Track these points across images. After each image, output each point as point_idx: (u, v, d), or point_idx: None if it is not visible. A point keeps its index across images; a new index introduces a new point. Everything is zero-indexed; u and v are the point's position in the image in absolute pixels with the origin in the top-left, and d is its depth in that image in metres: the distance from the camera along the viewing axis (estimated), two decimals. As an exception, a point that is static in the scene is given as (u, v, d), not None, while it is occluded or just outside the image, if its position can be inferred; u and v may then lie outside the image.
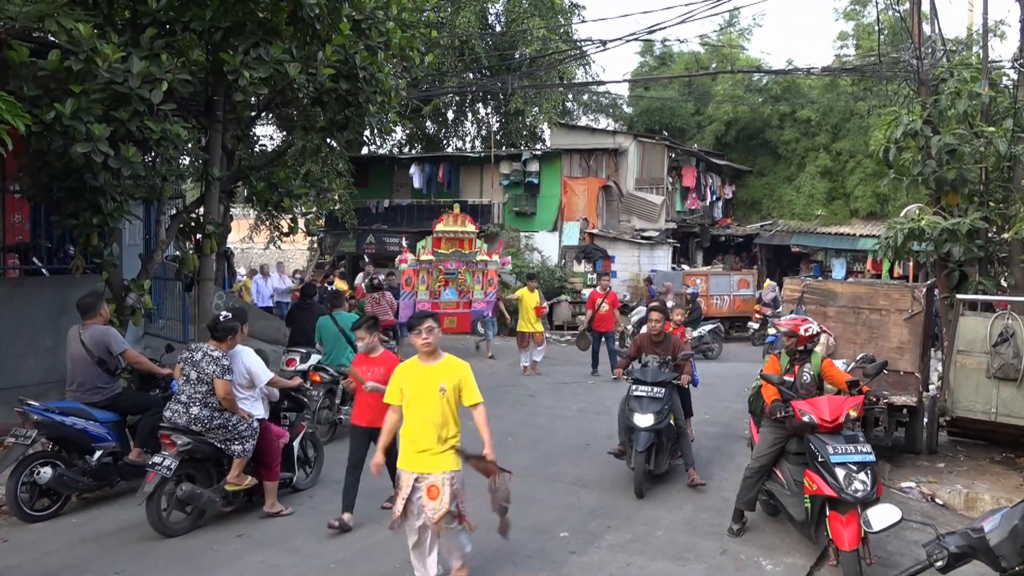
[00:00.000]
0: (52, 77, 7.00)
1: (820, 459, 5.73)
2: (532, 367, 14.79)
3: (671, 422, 7.63)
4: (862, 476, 5.57)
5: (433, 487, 5.08)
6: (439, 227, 16.98)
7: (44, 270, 10.47)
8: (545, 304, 15.98)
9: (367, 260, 23.80)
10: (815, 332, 6.44)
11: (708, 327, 19.00)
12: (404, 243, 18.80)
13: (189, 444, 6.33)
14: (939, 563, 3.34)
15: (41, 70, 6.90)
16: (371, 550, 6.10)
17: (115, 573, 5.58)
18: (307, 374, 9.25)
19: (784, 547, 6.31)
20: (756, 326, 20.88)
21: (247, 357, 6.77)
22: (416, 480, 5.16)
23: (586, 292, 21.72)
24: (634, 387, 7.75)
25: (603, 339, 14.38)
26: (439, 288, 16.68)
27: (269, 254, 30.34)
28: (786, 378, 6.39)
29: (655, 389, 7.61)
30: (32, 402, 6.64)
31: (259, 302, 17.98)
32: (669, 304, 16.05)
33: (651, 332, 8.24)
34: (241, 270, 20.44)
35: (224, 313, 6.82)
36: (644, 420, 7.38)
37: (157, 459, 6.24)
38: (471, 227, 17.32)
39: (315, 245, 28.73)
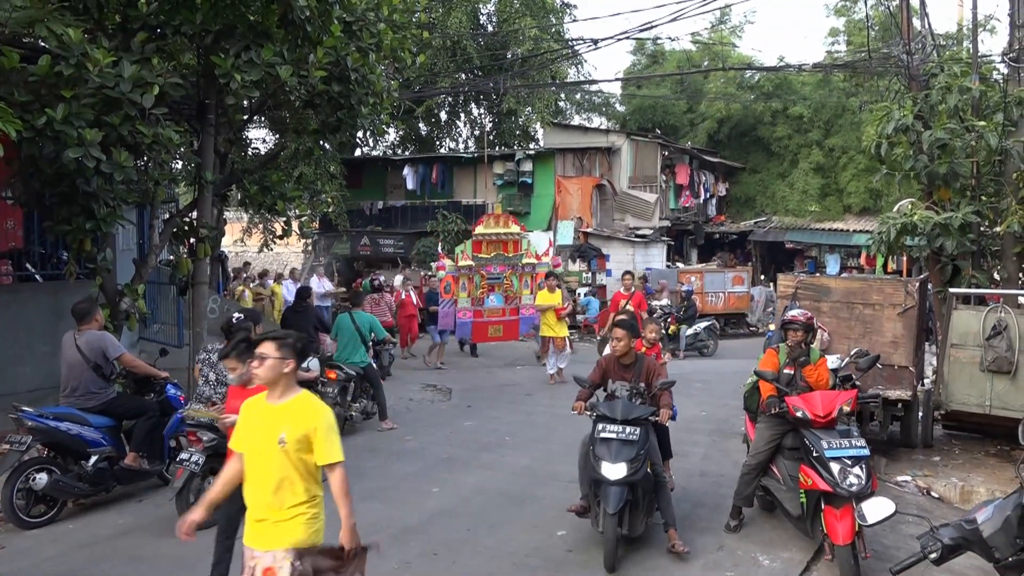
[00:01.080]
0: (42, 82, 6.97)
1: (815, 454, 5.76)
2: (558, 374, 13.55)
3: (648, 470, 6.03)
4: (856, 470, 5.59)
5: (268, 570, 3.92)
6: (479, 230, 15.51)
7: (38, 276, 10.43)
8: (568, 304, 14.64)
9: (365, 263, 23.84)
10: (817, 325, 6.53)
11: (703, 324, 19.05)
12: (440, 248, 17.50)
13: (214, 440, 6.54)
14: (933, 555, 3.37)
15: (31, 75, 6.87)
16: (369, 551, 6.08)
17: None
18: (323, 371, 9.48)
19: (781, 542, 6.33)
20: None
21: None
22: (251, 558, 4.01)
23: (582, 292, 21.78)
24: (600, 427, 6.05)
25: None
26: (482, 294, 15.29)
27: (263, 257, 30.29)
28: (786, 371, 6.41)
29: (627, 429, 5.95)
30: (26, 408, 6.63)
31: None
32: (663, 301, 15.64)
33: (615, 353, 6.55)
34: (267, 280, 19.68)
35: (237, 315, 7.08)
36: (615, 471, 5.77)
37: (185, 456, 6.56)
38: (515, 228, 15.80)
39: (309, 248, 28.70)
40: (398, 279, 18.09)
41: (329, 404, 8.65)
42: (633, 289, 13.41)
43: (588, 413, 6.26)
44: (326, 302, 17.84)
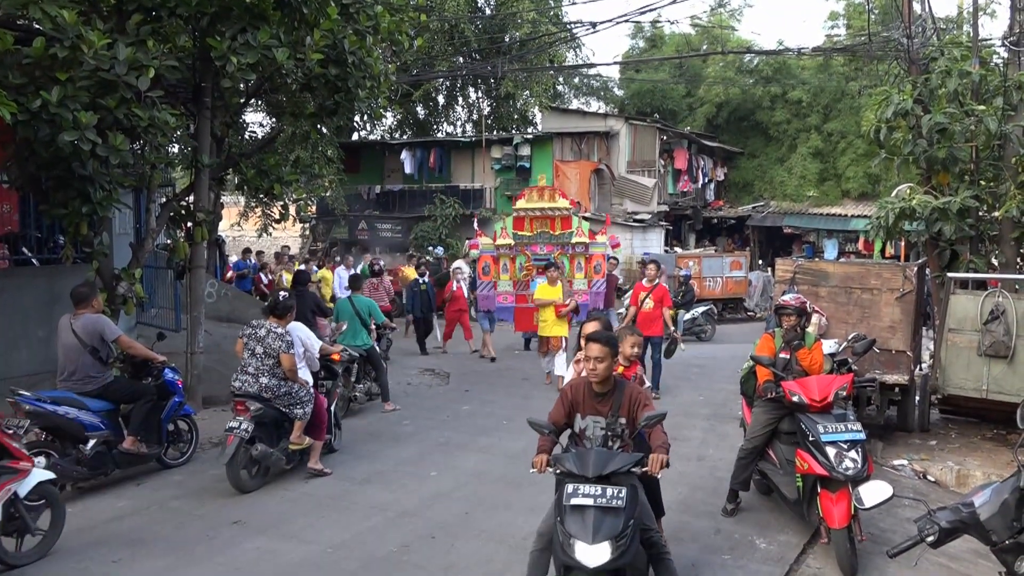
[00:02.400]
0: (37, 65, 6.92)
1: (811, 438, 5.78)
2: (560, 380, 11.28)
3: (640, 543, 4.37)
4: (852, 454, 5.61)
5: None
6: (520, 204, 13.95)
7: (34, 260, 10.41)
8: (571, 300, 12.37)
9: (363, 248, 23.76)
10: (813, 309, 6.48)
11: (701, 309, 19.08)
12: (477, 226, 15.74)
13: (261, 409, 7.13)
14: (930, 538, 3.37)
15: (26, 58, 6.82)
16: (366, 535, 6.12)
17: (112, 562, 5.59)
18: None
19: (777, 525, 6.36)
20: None
21: (300, 331, 7.82)
22: None
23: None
24: (569, 489, 4.27)
25: (648, 344, 10.44)
26: (526, 277, 13.75)
27: (261, 242, 30.22)
28: (782, 356, 6.42)
29: (609, 491, 4.20)
30: (24, 392, 6.62)
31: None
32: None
33: (590, 378, 4.78)
34: (313, 265, 19.00)
35: (282, 293, 7.72)
36: (595, 555, 4.07)
37: (234, 424, 7.00)
38: (563, 202, 13.99)
39: (307, 232, 28.65)
40: (461, 266, 16.08)
41: (334, 385, 8.84)
42: (657, 281, 11.28)
43: (552, 469, 4.55)
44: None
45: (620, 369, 5.22)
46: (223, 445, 7.07)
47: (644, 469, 4.41)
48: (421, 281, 15.04)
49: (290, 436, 7.45)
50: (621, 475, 4.34)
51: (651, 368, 10.76)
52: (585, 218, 23.51)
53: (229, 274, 17.55)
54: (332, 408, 8.31)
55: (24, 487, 5.48)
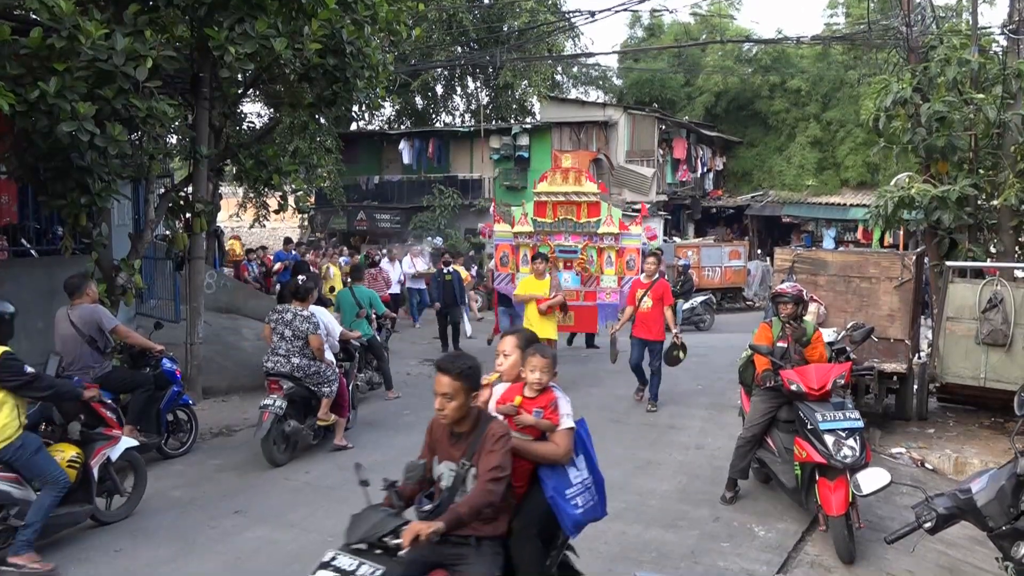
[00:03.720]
0: (34, 55, 6.90)
1: (809, 426, 5.80)
2: None
3: None
4: (851, 442, 5.64)
5: None
6: (541, 187, 12.39)
7: (33, 251, 10.40)
8: (560, 293, 10.46)
9: (361, 239, 23.75)
10: (810, 297, 6.48)
11: (700, 299, 19.10)
12: (494, 210, 13.89)
13: (293, 388, 7.63)
14: (928, 524, 3.39)
15: (23, 48, 6.80)
16: (367, 524, 6.13)
17: (114, 551, 5.61)
18: None
19: (776, 513, 6.39)
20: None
21: (323, 315, 8.31)
22: None
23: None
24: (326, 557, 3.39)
25: (647, 350, 9.78)
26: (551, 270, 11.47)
27: (258, 232, 30.18)
28: (780, 344, 6.43)
29: (360, 570, 3.25)
30: (24, 383, 6.61)
31: (388, 289, 16.19)
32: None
33: (441, 418, 3.71)
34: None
35: (301, 277, 8.34)
36: None
37: (268, 401, 7.44)
38: (591, 186, 12.37)
39: (306, 223, 28.64)
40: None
41: (352, 366, 9.09)
42: (657, 276, 9.94)
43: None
44: (418, 283, 17.04)
45: (517, 398, 3.97)
46: (258, 421, 7.47)
47: (396, 541, 3.31)
48: (447, 271, 14.16)
49: (317, 413, 7.90)
50: (388, 548, 3.33)
51: (650, 377, 9.79)
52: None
53: (277, 266, 16.97)
54: (351, 388, 8.77)
55: (115, 452, 6.13)
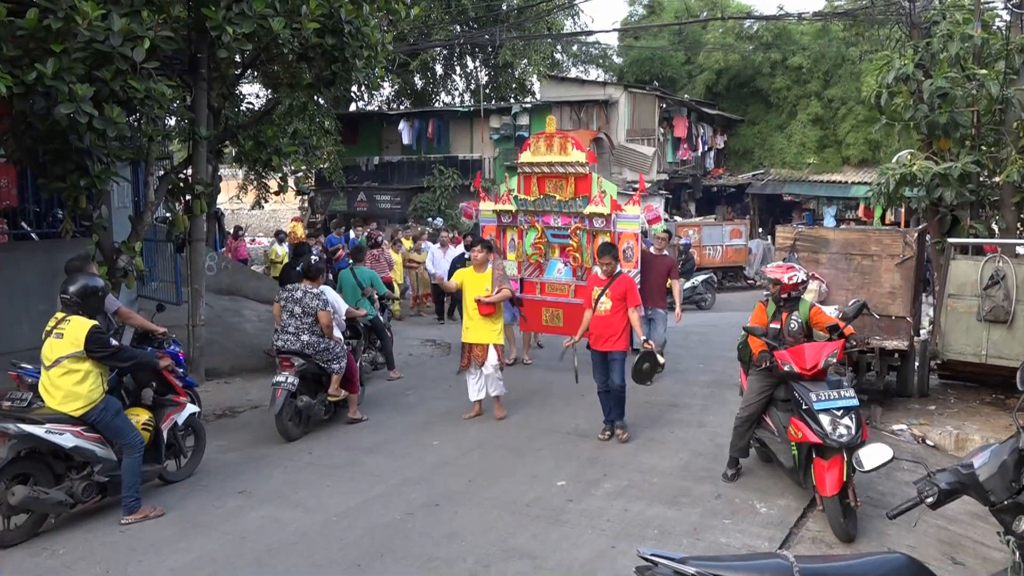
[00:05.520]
0: (31, 36, 6.85)
1: (804, 406, 5.78)
2: (498, 407, 8.51)
3: None
4: (846, 421, 5.62)
5: None
6: (525, 156, 10.31)
7: (33, 234, 10.38)
8: (504, 287, 8.39)
9: (361, 220, 23.69)
10: (800, 280, 6.37)
11: (701, 278, 19.12)
12: (478, 185, 11.87)
13: (304, 365, 7.83)
14: (929, 499, 3.40)
15: (19, 29, 6.75)
16: (371, 503, 6.18)
17: (119, 531, 5.65)
18: None
19: (777, 491, 6.41)
20: None
21: (330, 294, 8.50)
22: None
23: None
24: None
25: (607, 363, 7.67)
26: (536, 259, 10.31)
27: (258, 215, 30.15)
28: (773, 325, 6.41)
29: None
30: (25, 364, 6.64)
31: (389, 270, 15.45)
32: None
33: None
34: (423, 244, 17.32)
35: (314, 257, 8.63)
36: None
37: (280, 378, 7.64)
38: (577, 154, 9.86)
39: (306, 204, 28.61)
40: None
41: (359, 344, 9.37)
42: (619, 270, 7.83)
43: None
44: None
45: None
46: (272, 398, 7.66)
47: None
48: (468, 256, 13.93)
49: (328, 389, 8.13)
50: None
51: (612, 399, 7.75)
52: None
53: (340, 252, 16.05)
54: (359, 364, 8.97)
55: (181, 417, 6.63)
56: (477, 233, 11.87)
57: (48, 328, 5.72)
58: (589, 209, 9.79)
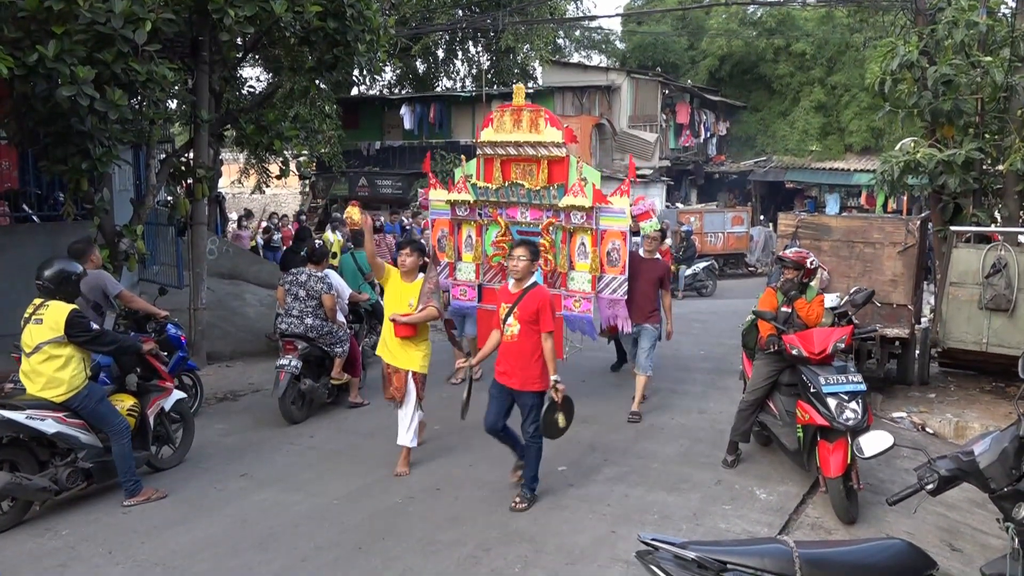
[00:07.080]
0: (32, 18, 6.83)
1: (812, 390, 5.83)
2: (404, 460, 6.48)
3: None
4: (853, 405, 5.68)
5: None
6: (486, 133, 8.27)
7: (35, 217, 10.39)
8: (431, 303, 6.43)
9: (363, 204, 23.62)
10: (817, 266, 6.46)
11: (702, 264, 19.11)
12: (427, 168, 9.58)
13: (307, 348, 7.85)
14: (930, 486, 3.41)
15: (20, 11, 6.73)
16: (372, 487, 6.20)
17: (122, 514, 5.67)
18: None
19: (777, 476, 6.44)
20: None
21: (334, 278, 8.49)
22: None
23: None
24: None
25: (510, 401, 5.95)
26: (497, 259, 8.36)
27: (259, 199, 30.08)
28: (783, 309, 6.44)
29: None
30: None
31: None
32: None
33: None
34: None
35: (317, 242, 8.54)
36: None
37: (283, 361, 7.68)
38: (552, 133, 7.85)
39: (307, 189, 28.56)
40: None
41: (362, 328, 9.39)
42: (533, 280, 5.86)
43: None
44: None
45: None
46: (275, 381, 7.69)
47: None
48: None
49: (331, 373, 8.13)
50: None
51: (524, 448, 5.95)
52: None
53: (390, 239, 15.69)
54: (362, 348, 9.00)
55: (168, 403, 6.57)
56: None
57: (27, 314, 5.66)
58: (566, 201, 7.83)
